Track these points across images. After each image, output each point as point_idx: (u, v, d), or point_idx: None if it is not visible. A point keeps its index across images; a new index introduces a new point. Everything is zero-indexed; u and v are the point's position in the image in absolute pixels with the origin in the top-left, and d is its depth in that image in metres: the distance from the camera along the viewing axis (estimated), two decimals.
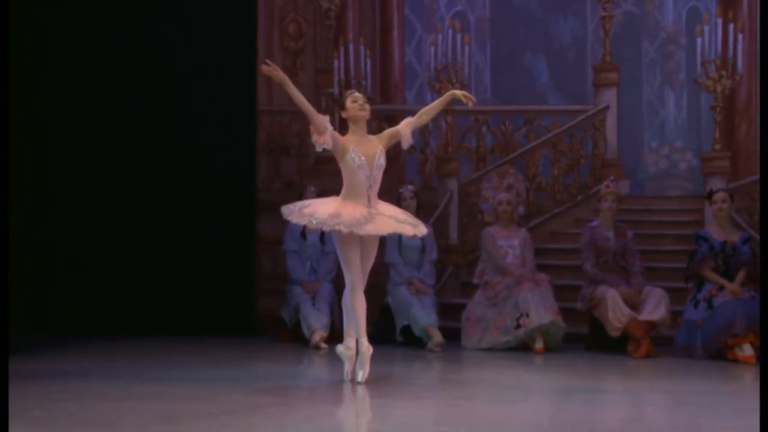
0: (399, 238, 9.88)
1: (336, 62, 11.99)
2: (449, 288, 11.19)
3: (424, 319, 9.73)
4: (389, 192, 9.62)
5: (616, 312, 9.38)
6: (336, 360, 7.47)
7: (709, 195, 9.65)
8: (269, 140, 11.70)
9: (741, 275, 9.29)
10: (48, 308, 10.24)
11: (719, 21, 11.32)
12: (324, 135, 7.04)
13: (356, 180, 7.14)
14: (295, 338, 10.02)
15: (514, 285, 9.69)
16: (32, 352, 8.55)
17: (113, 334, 9.98)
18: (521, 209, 10.43)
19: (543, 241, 11.23)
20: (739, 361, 8.86)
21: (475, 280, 10.09)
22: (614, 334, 9.42)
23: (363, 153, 7.13)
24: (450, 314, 10.33)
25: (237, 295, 10.69)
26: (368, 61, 12.15)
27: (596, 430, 5.78)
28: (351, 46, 12.03)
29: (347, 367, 7.28)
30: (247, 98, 11.08)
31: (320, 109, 9.29)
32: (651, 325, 9.39)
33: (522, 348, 9.57)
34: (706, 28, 11.32)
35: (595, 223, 9.91)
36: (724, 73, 11.20)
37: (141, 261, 10.59)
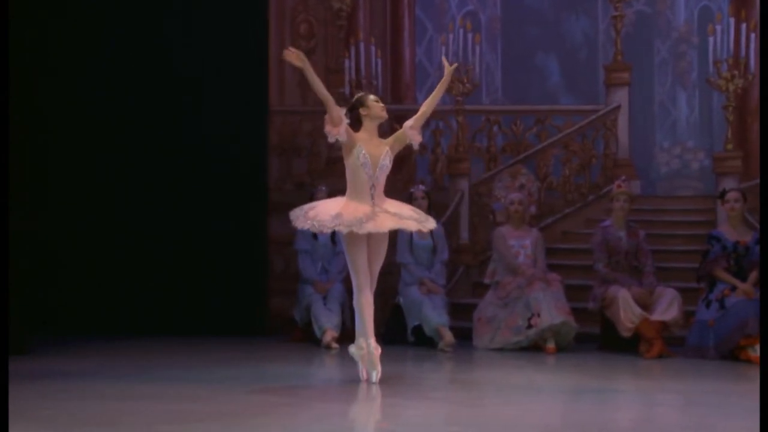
0: (410, 238, 9.88)
1: (347, 62, 11.99)
2: (460, 288, 11.18)
3: (435, 319, 9.72)
4: (401, 192, 9.63)
5: (627, 312, 9.35)
6: (347, 360, 7.47)
7: (722, 194, 9.62)
8: (281, 141, 11.72)
9: (754, 275, 9.25)
10: (48, 308, 10.23)
11: (731, 20, 11.29)
12: (339, 126, 7.07)
13: (358, 178, 7.15)
14: (307, 338, 10.03)
15: (525, 285, 9.68)
16: (32, 352, 8.54)
17: (113, 334, 9.97)
18: (533, 209, 10.42)
19: (554, 241, 11.22)
20: (751, 361, 8.82)
21: (487, 280, 10.08)
22: (626, 334, 9.39)
23: (369, 152, 7.15)
24: (461, 314, 10.31)
25: (248, 295, 10.70)
26: (379, 61, 12.16)
27: (607, 430, 5.77)
28: (362, 46, 12.04)
29: (361, 367, 7.28)
30: (259, 99, 11.08)
31: None
32: (663, 326, 9.36)
33: (533, 348, 9.56)
34: (719, 28, 11.29)
35: (607, 223, 9.88)
36: (736, 72, 11.16)
37: (147, 261, 10.56)
